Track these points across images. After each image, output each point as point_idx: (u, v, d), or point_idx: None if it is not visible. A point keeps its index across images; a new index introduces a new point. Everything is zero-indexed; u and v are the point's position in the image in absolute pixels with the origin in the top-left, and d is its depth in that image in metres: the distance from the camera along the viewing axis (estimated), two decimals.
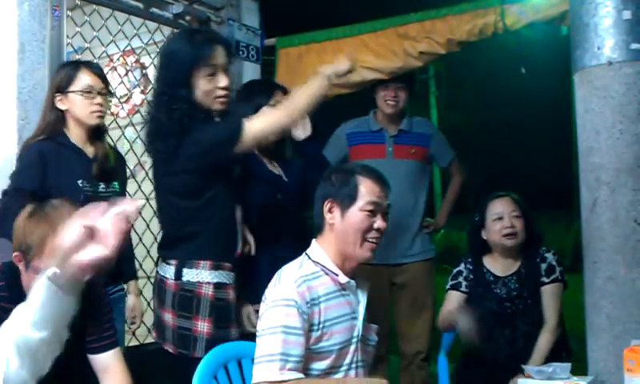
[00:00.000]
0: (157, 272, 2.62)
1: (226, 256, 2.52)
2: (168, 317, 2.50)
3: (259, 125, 2.50)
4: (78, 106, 2.75)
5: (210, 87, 2.50)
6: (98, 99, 2.77)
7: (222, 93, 2.52)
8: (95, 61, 3.53)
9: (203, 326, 2.44)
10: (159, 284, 2.55)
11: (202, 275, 2.49)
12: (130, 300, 3.07)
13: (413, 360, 3.74)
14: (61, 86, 2.75)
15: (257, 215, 2.77)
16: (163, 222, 2.65)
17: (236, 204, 2.61)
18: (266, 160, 2.92)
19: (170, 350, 2.51)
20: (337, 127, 3.92)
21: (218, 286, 2.50)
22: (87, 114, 2.75)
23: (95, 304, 2.20)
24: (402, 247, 3.70)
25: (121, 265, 3.00)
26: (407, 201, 3.71)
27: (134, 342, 3.57)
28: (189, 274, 2.48)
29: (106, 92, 2.83)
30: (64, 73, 2.78)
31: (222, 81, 2.51)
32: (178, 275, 2.48)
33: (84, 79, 2.76)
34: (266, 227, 2.77)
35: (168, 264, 2.52)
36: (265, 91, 2.94)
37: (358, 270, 2.25)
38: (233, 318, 2.55)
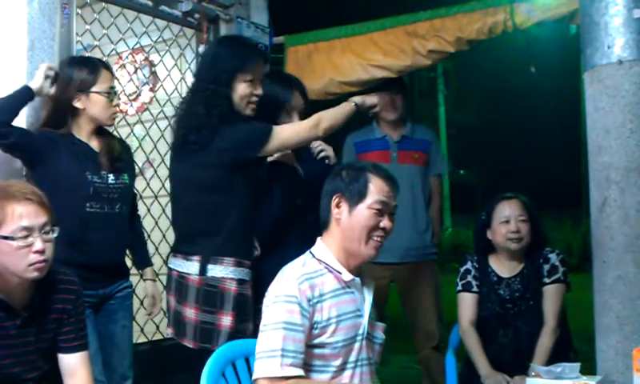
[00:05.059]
0: (171, 268, 2.67)
1: (246, 255, 2.62)
2: (190, 312, 2.57)
3: (287, 133, 2.65)
4: (100, 106, 2.78)
5: (248, 92, 2.66)
6: (116, 101, 2.85)
7: (256, 99, 2.68)
8: (104, 58, 3.56)
9: (227, 320, 2.54)
10: (178, 280, 2.62)
11: (227, 271, 2.58)
12: (149, 287, 3.06)
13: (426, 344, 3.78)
14: (85, 86, 2.76)
15: (273, 217, 2.81)
16: (183, 217, 2.71)
17: (256, 205, 2.69)
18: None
19: (190, 345, 2.58)
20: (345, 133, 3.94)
21: (240, 282, 2.61)
22: (108, 115, 2.82)
23: (74, 301, 2.24)
24: (403, 247, 3.71)
25: (133, 255, 3.01)
26: (409, 203, 3.74)
27: (142, 339, 3.57)
28: (213, 270, 2.57)
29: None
30: (85, 72, 2.78)
31: (259, 89, 2.70)
32: (203, 271, 2.57)
33: (107, 80, 2.80)
34: (279, 231, 2.80)
35: (189, 260, 2.60)
36: (287, 87, 2.93)
37: (364, 267, 2.25)
38: (251, 314, 2.61)
